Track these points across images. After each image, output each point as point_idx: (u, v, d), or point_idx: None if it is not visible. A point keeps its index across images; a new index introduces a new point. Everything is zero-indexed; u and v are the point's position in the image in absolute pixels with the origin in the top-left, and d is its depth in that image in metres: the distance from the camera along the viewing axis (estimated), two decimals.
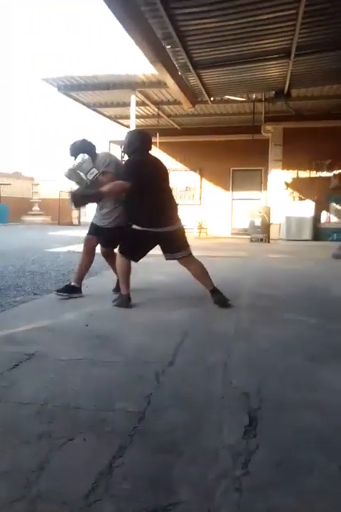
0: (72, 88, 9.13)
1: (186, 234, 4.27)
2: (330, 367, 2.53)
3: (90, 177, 4.04)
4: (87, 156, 4.09)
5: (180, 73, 7.48)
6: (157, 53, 6.04)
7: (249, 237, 11.98)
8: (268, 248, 10.20)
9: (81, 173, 4.07)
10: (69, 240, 11.73)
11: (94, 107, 10.94)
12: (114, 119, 12.59)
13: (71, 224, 23.89)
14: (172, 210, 4.07)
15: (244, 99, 10.07)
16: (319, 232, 11.62)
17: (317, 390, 2.19)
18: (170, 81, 7.24)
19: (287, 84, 8.18)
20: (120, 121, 12.80)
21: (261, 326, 3.38)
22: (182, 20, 5.51)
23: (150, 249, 4.12)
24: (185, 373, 2.40)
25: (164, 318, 3.56)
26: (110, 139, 14.06)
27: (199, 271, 4.09)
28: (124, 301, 3.94)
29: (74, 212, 25.08)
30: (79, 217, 25.12)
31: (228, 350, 2.77)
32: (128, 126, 11.28)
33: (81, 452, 1.62)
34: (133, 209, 3.99)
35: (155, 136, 11.61)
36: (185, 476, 1.48)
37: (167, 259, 4.18)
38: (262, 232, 11.80)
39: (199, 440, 1.70)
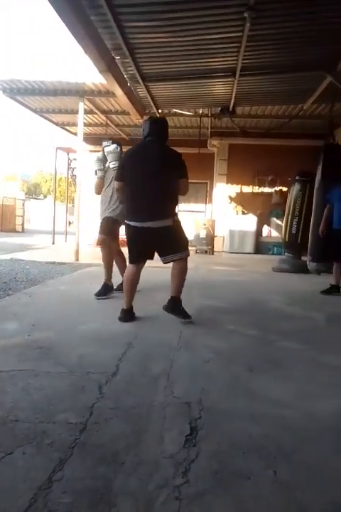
0: (18, 92, 8.87)
1: (184, 233, 3.91)
2: (267, 377, 2.63)
3: (111, 166, 4.70)
4: (118, 149, 4.72)
5: (129, 84, 7.51)
6: (106, 63, 6.04)
7: (194, 248, 12.17)
8: (212, 260, 10.41)
9: (108, 158, 4.76)
10: (13, 247, 11.39)
11: (41, 112, 10.69)
12: (62, 125, 12.37)
13: (14, 231, 23.18)
14: (161, 202, 3.64)
15: (191, 114, 10.27)
16: (260, 246, 12.04)
17: (255, 400, 2.27)
18: (118, 91, 7.25)
19: (232, 102, 8.45)
20: (67, 128, 12.59)
21: (204, 336, 3.45)
22: (131, 33, 5.56)
23: (147, 249, 3.81)
24: (128, 384, 2.40)
25: (107, 329, 3.54)
26: (57, 145, 13.81)
27: (181, 273, 3.80)
28: (122, 315, 3.80)
29: (18, 219, 24.40)
30: (22, 224, 24.44)
31: (171, 361, 2.81)
32: (75, 134, 11.13)
33: (19, 466, 1.58)
34: (126, 204, 3.88)
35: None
36: (125, 487, 1.48)
37: (164, 263, 3.85)
38: (207, 244, 12.03)
39: (140, 451, 1.71)
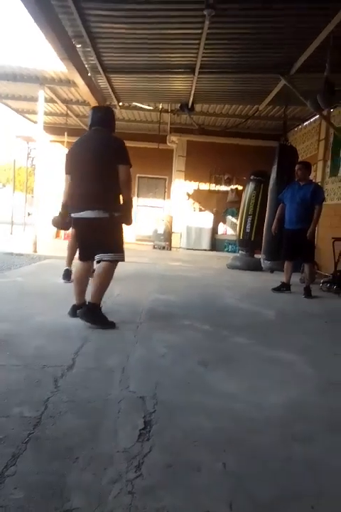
0: None
1: (121, 234, 3.61)
2: (219, 371, 2.70)
3: None
4: None
5: (89, 74, 7.41)
6: (67, 51, 5.92)
7: (152, 243, 12.20)
8: (169, 256, 10.48)
9: None
10: None
11: None
12: (21, 113, 12.01)
13: None
14: (97, 191, 3.39)
15: (151, 108, 10.27)
16: (216, 243, 12.25)
17: (207, 394, 2.33)
18: (79, 81, 7.13)
19: (191, 99, 8.54)
20: (27, 116, 12.23)
21: (160, 331, 3.49)
22: (93, 21, 5.48)
23: (87, 244, 3.59)
24: (83, 378, 2.40)
25: (65, 322, 3.51)
26: (16, 133, 13.41)
27: (104, 276, 3.49)
28: (70, 310, 3.66)
29: None
30: None
31: (127, 355, 2.83)
32: (35, 122, 10.84)
33: None
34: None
35: (63, 135, 11.37)
36: (79, 481, 1.49)
37: (96, 262, 3.55)
38: (164, 240, 12.09)
39: (94, 445, 1.72)
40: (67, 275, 5.24)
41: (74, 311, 3.65)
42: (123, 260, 3.56)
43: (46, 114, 10.94)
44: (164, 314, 4.16)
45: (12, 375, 2.35)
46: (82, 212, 3.41)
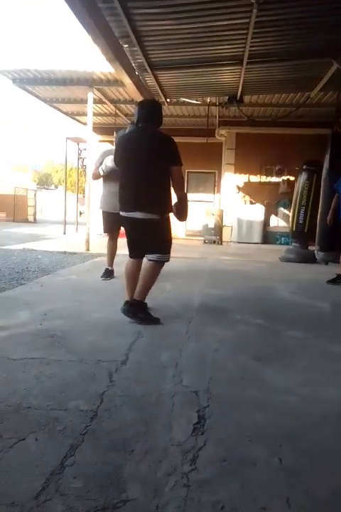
0: (28, 82, 8.89)
1: (170, 234, 3.62)
2: (273, 366, 2.66)
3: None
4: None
5: (137, 73, 7.49)
6: (115, 52, 6.02)
7: (202, 238, 12.17)
8: (220, 250, 10.41)
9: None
10: (25, 237, 11.47)
11: (50, 102, 10.70)
12: (71, 115, 12.37)
13: (26, 221, 23.31)
14: (148, 193, 3.38)
15: (198, 102, 10.22)
16: (268, 236, 12.01)
17: (261, 388, 2.30)
18: (127, 80, 7.24)
19: (239, 90, 8.40)
20: (77, 118, 12.59)
21: (212, 326, 3.48)
22: (139, 20, 5.53)
23: (137, 242, 3.58)
24: (137, 372, 2.44)
25: (118, 318, 3.57)
26: (67, 136, 13.83)
27: (151, 276, 3.52)
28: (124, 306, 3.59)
29: (30, 209, 24.50)
30: (34, 214, 24.55)
31: (180, 350, 2.85)
32: (85, 124, 11.13)
33: (32, 452, 1.62)
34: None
35: (112, 135, 11.57)
36: (134, 473, 1.52)
37: (147, 260, 3.54)
38: (215, 234, 12.02)
39: (149, 438, 1.75)
40: (107, 274, 5.34)
41: (127, 309, 3.67)
42: (168, 261, 3.56)
43: (95, 114, 11.19)
44: (216, 309, 4.14)
45: (68, 370, 2.42)
46: (132, 213, 3.43)
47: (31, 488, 1.42)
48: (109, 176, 5.03)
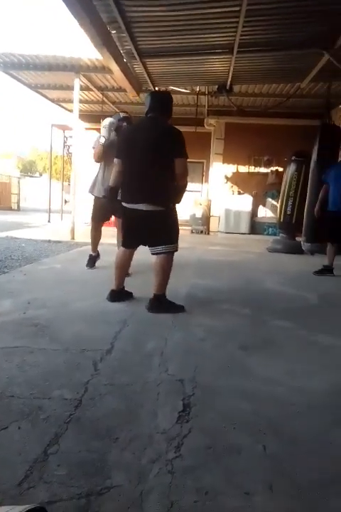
0: (12, 66, 8.70)
1: (177, 225, 3.63)
2: (259, 355, 2.67)
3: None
4: (107, 122, 4.89)
5: (125, 60, 7.40)
6: (102, 38, 5.92)
7: (189, 228, 12.17)
8: (207, 240, 10.42)
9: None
10: (8, 225, 11.32)
11: (36, 88, 10.50)
12: (57, 102, 12.20)
13: (10, 209, 23.02)
14: (154, 184, 3.37)
15: (187, 91, 10.16)
16: (256, 226, 12.05)
17: (247, 377, 2.31)
18: (115, 67, 7.15)
19: (229, 80, 8.35)
20: (63, 105, 12.42)
21: (198, 315, 3.49)
22: (128, 6, 5.44)
23: (137, 234, 3.57)
24: (122, 361, 2.43)
25: (103, 307, 3.56)
26: (53, 122, 13.64)
27: (165, 269, 3.52)
28: (109, 296, 3.72)
29: (14, 197, 24.21)
30: (18, 202, 24.26)
31: (166, 339, 2.84)
32: (71, 111, 11.00)
33: (15, 441, 1.61)
34: (122, 183, 3.63)
35: (99, 123, 11.46)
36: (119, 461, 1.52)
37: (152, 253, 3.54)
38: (202, 224, 12.03)
39: (134, 426, 1.75)
40: (92, 261, 5.27)
41: (112, 296, 3.72)
42: (176, 251, 3.58)
43: (81, 102, 11.05)
44: (203, 299, 4.14)
45: (52, 359, 2.40)
46: (137, 205, 3.41)
47: (14, 476, 1.41)
48: (106, 161, 4.90)
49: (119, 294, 3.76)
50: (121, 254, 3.72)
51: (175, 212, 3.60)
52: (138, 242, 3.63)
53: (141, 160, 3.39)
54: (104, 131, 4.85)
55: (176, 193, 3.52)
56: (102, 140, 4.84)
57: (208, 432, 1.75)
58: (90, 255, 5.29)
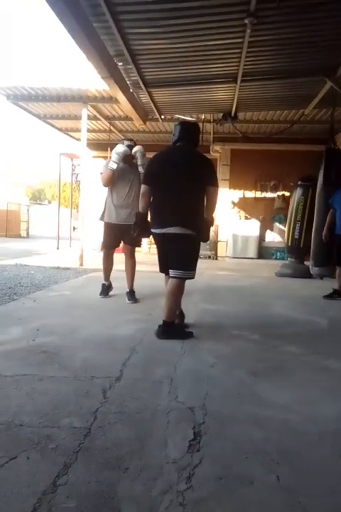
0: (22, 98, 8.92)
1: (198, 253, 3.68)
2: (270, 381, 2.63)
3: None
4: (121, 150, 4.88)
5: (131, 90, 7.55)
6: (109, 70, 6.07)
7: None
8: (215, 265, 10.40)
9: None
10: (18, 252, 11.42)
11: (44, 118, 10.74)
12: (65, 131, 12.43)
13: (19, 236, 23.26)
14: (185, 209, 3.43)
15: (193, 119, 10.30)
16: (263, 251, 12.04)
17: (257, 404, 2.27)
18: (121, 97, 7.29)
19: (234, 107, 8.48)
20: (71, 134, 12.65)
21: (207, 341, 3.46)
22: (133, 39, 5.59)
23: (165, 255, 3.61)
24: (132, 388, 2.41)
25: (112, 334, 3.55)
26: (61, 151, 13.87)
27: (175, 293, 3.53)
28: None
29: (23, 224, 24.48)
30: (27, 230, 24.52)
31: (175, 366, 2.81)
32: (79, 140, 11.18)
33: (23, 471, 1.58)
34: (150, 211, 3.66)
35: (106, 151, 11.63)
36: (129, 492, 1.49)
37: (170, 276, 3.53)
38: (210, 249, 12.02)
39: (144, 456, 1.72)
40: (105, 290, 5.19)
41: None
42: (192, 278, 3.60)
43: (89, 131, 11.24)
44: (212, 324, 4.11)
45: (61, 387, 2.39)
46: (168, 228, 3.44)
47: (22, 509, 1.38)
48: (114, 187, 4.96)
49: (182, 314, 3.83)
50: (166, 281, 3.71)
51: (199, 241, 3.63)
52: (165, 266, 3.66)
53: (175, 186, 3.46)
54: (115, 157, 4.82)
55: (206, 226, 3.57)
56: (113, 165, 4.84)
57: (219, 461, 1.71)
58: (103, 284, 5.23)
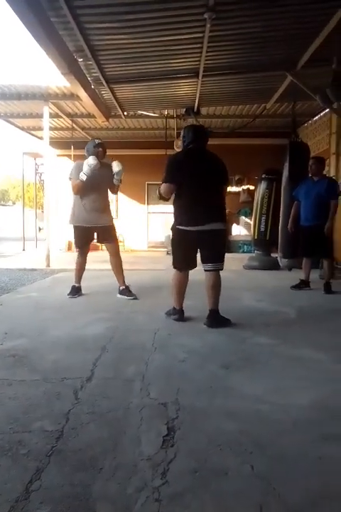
0: None
1: (225, 242, 4.11)
2: (242, 374, 2.66)
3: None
4: (93, 162, 4.85)
5: (92, 87, 7.46)
6: (69, 66, 5.96)
7: (165, 249, 12.17)
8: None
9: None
10: None
11: (5, 116, 10.46)
12: (27, 130, 12.15)
13: None
14: (216, 205, 3.80)
15: (156, 115, 10.29)
16: (231, 244, 12.16)
17: (230, 397, 2.29)
18: (83, 94, 7.19)
19: (196, 102, 8.53)
20: (33, 132, 12.37)
21: (178, 336, 3.46)
22: (93, 34, 5.51)
23: (195, 254, 3.91)
24: (103, 388, 2.38)
25: (81, 334, 3.50)
26: (24, 151, 13.55)
27: (217, 286, 3.84)
28: (171, 313, 4.03)
29: None
30: None
31: (146, 363, 2.80)
32: (41, 138, 10.96)
33: None
34: (178, 209, 3.91)
35: (70, 149, 11.45)
36: (104, 492, 1.47)
37: (205, 270, 3.87)
38: None
39: (118, 454, 1.70)
40: (75, 291, 5.14)
41: (180, 316, 3.99)
42: (222, 269, 3.90)
43: (52, 129, 11.05)
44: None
45: (32, 390, 2.34)
46: (208, 225, 3.70)
47: None
48: (85, 193, 4.96)
49: (182, 313, 4.02)
50: (182, 277, 3.99)
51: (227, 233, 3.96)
52: (193, 263, 3.94)
53: (205, 185, 3.75)
54: (87, 169, 4.81)
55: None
56: (84, 177, 4.84)
57: (194, 455, 1.71)
58: (73, 286, 5.18)
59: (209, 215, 3.72)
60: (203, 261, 3.87)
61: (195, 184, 3.74)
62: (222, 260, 3.85)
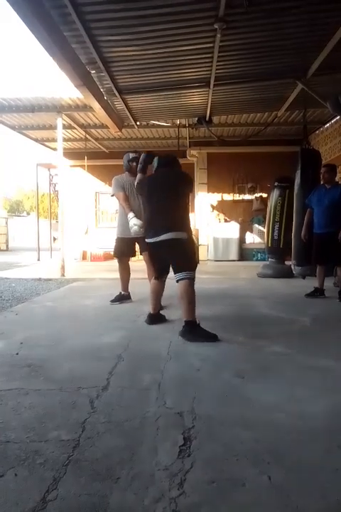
0: None
1: (194, 254, 4.19)
2: (257, 382, 2.64)
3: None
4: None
5: (105, 98, 7.53)
6: (82, 78, 6.04)
7: None
8: (197, 269, 10.36)
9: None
10: None
11: (19, 129, 10.63)
12: (41, 141, 12.31)
13: None
14: (167, 217, 3.83)
15: (168, 125, 10.35)
16: (244, 252, 12.14)
17: (246, 406, 2.27)
18: (96, 105, 7.27)
19: (208, 111, 8.56)
20: (47, 144, 12.54)
21: (193, 345, 3.45)
22: (105, 47, 5.58)
23: (162, 263, 4.11)
24: (119, 397, 2.38)
25: (97, 343, 3.51)
26: (38, 162, 13.72)
27: (185, 295, 3.72)
28: (148, 317, 4.21)
29: (2, 237, 24.19)
30: (6, 242, 24.20)
31: (161, 371, 2.80)
32: (55, 149, 11.10)
33: (11, 489, 1.54)
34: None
35: (83, 159, 11.56)
36: (121, 502, 1.47)
37: (176, 281, 3.82)
38: None
39: (135, 464, 1.69)
40: (119, 298, 5.32)
41: (151, 319, 4.17)
42: (193, 278, 3.85)
43: (65, 140, 11.18)
44: None
45: (48, 399, 2.35)
46: (160, 237, 3.80)
47: None
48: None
49: (156, 317, 4.22)
50: (157, 283, 4.22)
51: (194, 243, 4.18)
52: (165, 270, 4.19)
53: (160, 201, 3.91)
54: (134, 232, 4.93)
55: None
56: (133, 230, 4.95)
57: (211, 465, 1.70)
58: (120, 292, 5.37)
59: (165, 226, 3.80)
60: (174, 271, 3.91)
61: (154, 202, 3.97)
62: (185, 269, 3.76)
